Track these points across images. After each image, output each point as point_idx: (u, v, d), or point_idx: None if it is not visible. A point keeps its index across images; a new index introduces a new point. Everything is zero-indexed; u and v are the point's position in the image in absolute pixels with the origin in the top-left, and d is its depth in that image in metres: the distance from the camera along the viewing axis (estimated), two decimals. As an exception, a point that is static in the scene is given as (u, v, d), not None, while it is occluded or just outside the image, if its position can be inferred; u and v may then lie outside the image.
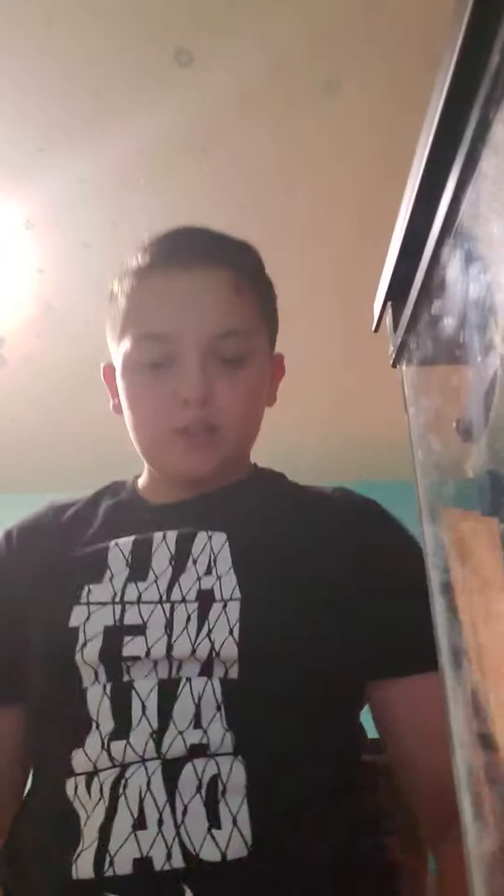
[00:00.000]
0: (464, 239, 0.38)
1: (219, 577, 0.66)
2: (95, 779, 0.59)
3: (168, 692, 0.61)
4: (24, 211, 2.22)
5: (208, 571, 0.67)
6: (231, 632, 0.63)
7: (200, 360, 0.71)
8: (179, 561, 0.69)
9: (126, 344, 0.76)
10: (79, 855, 0.55)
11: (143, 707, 0.61)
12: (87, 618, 0.65)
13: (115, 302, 0.82)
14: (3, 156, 2.03)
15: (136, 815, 0.55)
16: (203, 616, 0.64)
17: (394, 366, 0.47)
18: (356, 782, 0.67)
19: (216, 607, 0.64)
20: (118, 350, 0.79)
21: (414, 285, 0.42)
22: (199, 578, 0.67)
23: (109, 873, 0.53)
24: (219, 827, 0.54)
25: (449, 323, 0.40)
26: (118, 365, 0.80)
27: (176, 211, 2.31)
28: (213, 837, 0.54)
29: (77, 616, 0.65)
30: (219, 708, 0.61)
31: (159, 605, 0.65)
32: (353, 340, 2.81)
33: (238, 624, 0.63)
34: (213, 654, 0.63)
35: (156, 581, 0.67)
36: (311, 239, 2.40)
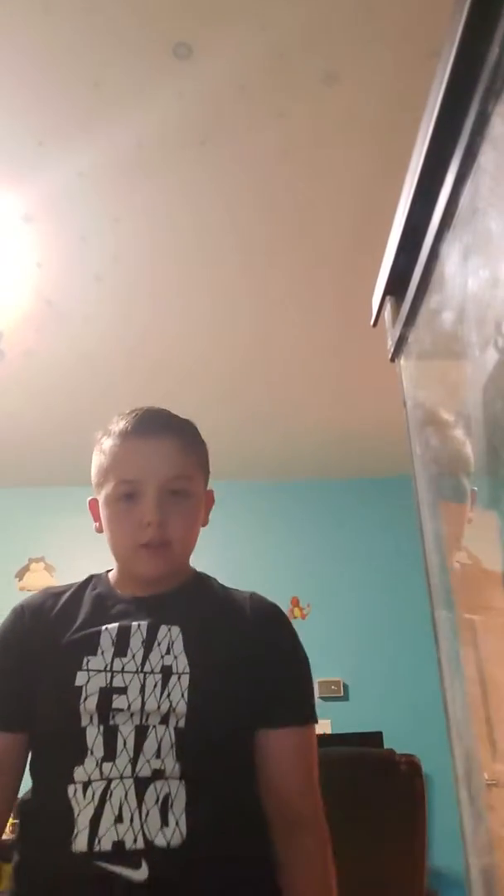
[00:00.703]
0: (462, 233, 0.38)
1: (175, 657, 0.99)
2: (90, 787, 0.90)
3: (141, 733, 0.94)
4: (22, 204, 2.21)
5: (168, 652, 1.00)
6: (182, 695, 0.96)
7: (157, 495, 1.02)
8: (149, 644, 1.01)
9: (109, 485, 1.06)
10: (76, 836, 0.87)
11: (125, 742, 0.93)
12: (88, 680, 0.97)
13: (101, 454, 1.09)
14: (2, 149, 2.02)
15: (116, 814, 0.88)
16: (164, 684, 0.97)
17: (392, 360, 0.47)
18: (256, 800, 1.01)
19: (173, 678, 0.97)
20: (103, 489, 1.08)
21: (412, 280, 0.42)
22: (162, 657, 0.99)
23: (97, 849, 0.86)
24: (167, 825, 0.88)
25: (447, 318, 0.40)
26: (101, 499, 1.09)
27: (174, 204, 2.31)
28: (162, 832, 0.88)
29: (80, 678, 0.97)
30: (172, 746, 0.93)
31: (136, 675, 0.97)
32: (352, 335, 2.81)
33: (187, 690, 0.96)
34: (170, 710, 0.95)
35: (133, 657, 0.99)
36: (310, 232, 2.40)
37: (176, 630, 1.02)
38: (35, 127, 1.95)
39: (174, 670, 0.98)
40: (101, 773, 0.91)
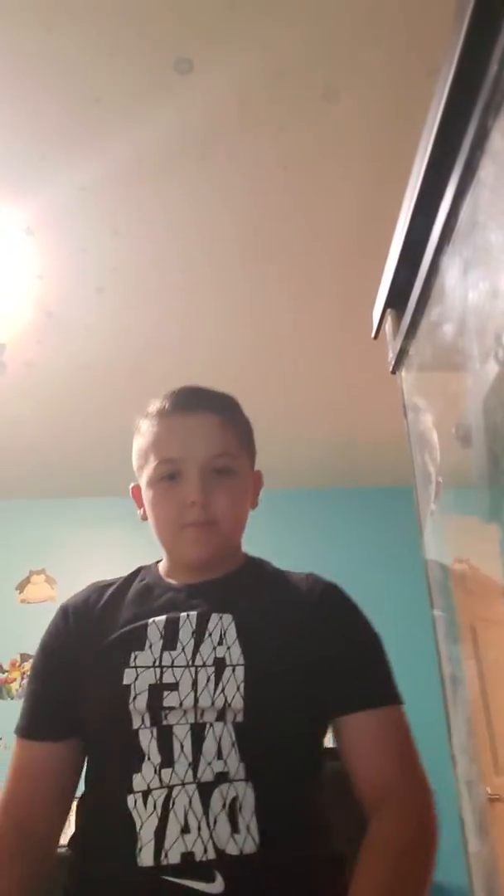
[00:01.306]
0: (462, 246, 0.38)
1: (228, 648, 0.92)
2: (150, 796, 0.84)
3: (198, 733, 0.87)
4: (24, 217, 2.23)
5: (220, 643, 0.92)
6: (238, 689, 0.88)
7: (200, 473, 0.98)
8: (199, 635, 0.94)
9: (150, 465, 1.01)
10: (140, 850, 0.81)
11: (181, 745, 0.86)
12: (136, 678, 0.91)
13: (139, 437, 1.06)
14: (5, 163, 2.03)
15: (182, 823, 0.82)
16: (218, 677, 0.89)
17: (393, 372, 0.47)
18: (320, 799, 0.94)
19: (227, 671, 0.90)
20: (144, 471, 1.03)
21: (413, 293, 0.42)
22: (214, 648, 0.92)
23: (165, 862, 0.80)
24: (238, 832, 0.82)
25: (448, 330, 0.40)
26: (143, 483, 1.04)
27: (175, 218, 2.33)
28: (234, 839, 0.81)
29: (128, 676, 0.91)
30: (233, 745, 0.86)
31: (187, 669, 0.90)
32: (353, 347, 2.82)
33: (243, 683, 0.89)
34: (226, 705, 0.87)
35: (183, 650, 0.92)
36: (311, 246, 2.41)
37: (228, 618, 0.94)
38: (37, 141, 1.97)
39: (228, 662, 0.90)
40: (161, 780, 0.84)
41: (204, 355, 2.96)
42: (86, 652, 0.97)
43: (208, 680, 0.88)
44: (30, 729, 0.98)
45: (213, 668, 0.90)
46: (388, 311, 0.45)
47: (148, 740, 0.86)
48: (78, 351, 2.90)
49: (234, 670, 0.89)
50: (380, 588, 4.21)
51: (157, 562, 1.10)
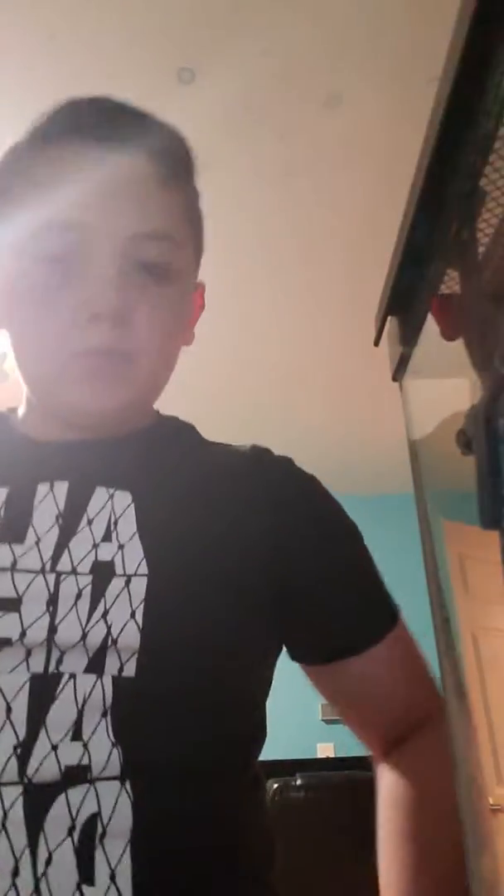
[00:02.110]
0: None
1: (121, 546, 0.54)
2: None
3: (43, 691, 0.48)
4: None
5: (107, 538, 0.54)
6: (133, 615, 0.51)
7: (118, 262, 0.54)
8: (70, 521, 0.55)
9: (21, 237, 0.55)
10: None
11: (8, 711, 0.46)
12: None
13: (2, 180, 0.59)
14: (7, 170, 2.04)
15: None
16: (98, 593, 0.51)
17: (394, 379, 0.47)
18: (257, 817, 0.56)
19: (116, 583, 0.52)
20: (4, 250, 0.58)
21: (415, 299, 0.42)
22: (95, 546, 0.54)
23: None
24: (91, 883, 0.42)
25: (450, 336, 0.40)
26: (4, 267, 0.58)
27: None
28: None
29: None
30: (105, 716, 0.47)
31: (41, 575, 0.52)
32: (354, 353, 2.82)
33: (143, 605, 0.51)
34: (109, 642, 0.50)
35: (37, 544, 0.53)
36: (313, 252, 2.41)
37: (124, 498, 0.56)
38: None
39: (118, 570, 0.53)
40: None
41: (205, 362, 2.96)
42: None
43: (79, 596, 0.51)
44: None
45: (89, 578, 0.52)
46: (390, 317, 0.45)
47: None
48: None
49: (128, 583, 0.52)
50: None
51: (12, 409, 0.70)
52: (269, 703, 0.63)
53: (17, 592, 0.51)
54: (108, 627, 0.50)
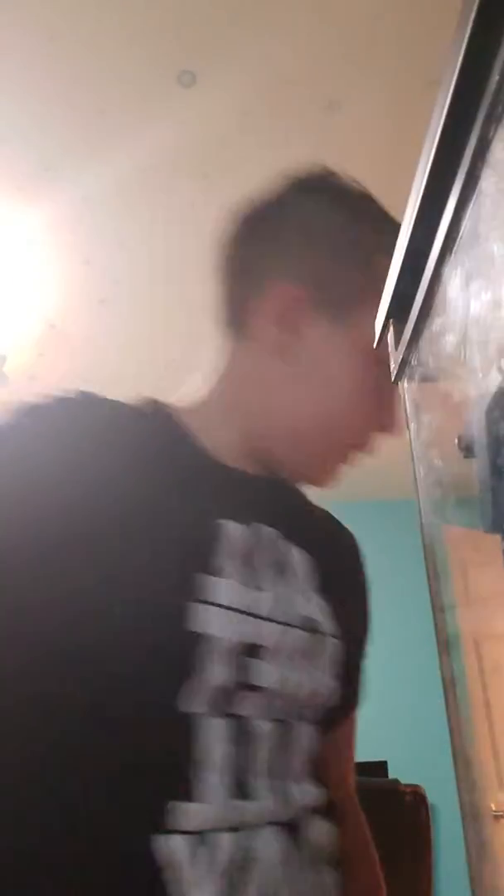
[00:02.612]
0: (464, 257, 0.38)
1: (310, 603, 0.57)
2: (204, 843, 0.47)
3: (282, 737, 0.53)
4: (27, 229, 2.24)
5: (304, 593, 0.57)
6: (329, 673, 0.57)
7: None
8: (280, 570, 0.56)
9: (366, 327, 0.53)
10: None
11: (263, 756, 0.51)
12: (209, 623, 0.50)
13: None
14: (9, 175, 2.04)
15: None
16: (311, 649, 0.55)
17: (395, 383, 0.47)
18: None
19: (320, 641, 0.56)
20: (352, 323, 0.63)
21: (415, 303, 0.42)
22: (299, 600, 0.56)
23: None
24: None
25: (450, 340, 0.40)
26: (348, 342, 0.62)
27: (178, 230, 2.33)
28: None
29: (198, 617, 0.50)
30: (307, 762, 0.54)
31: (273, 624, 0.53)
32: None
33: (336, 666, 0.58)
34: (314, 698, 0.55)
35: (265, 589, 0.54)
36: (313, 257, 2.42)
37: (302, 556, 0.59)
38: (41, 153, 1.98)
39: (318, 627, 0.56)
40: (227, 816, 0.48)
41: (205, 367, 2.96)
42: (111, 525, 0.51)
43: (300, 650, 0.54)
44: None
45: (300, 633, 0.54)
46: (390, 321, 0.45)
47: (211, 740, 0.48)
48: (80, 363, 2.90)
49: (325, 642, 0.56)
50: (382, 602, 4.20)
51: (184, 405, 0.67)
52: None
53: (263, 640, 0.52)
54: (315, 684, 0.55)
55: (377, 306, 0.46)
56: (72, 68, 1.76)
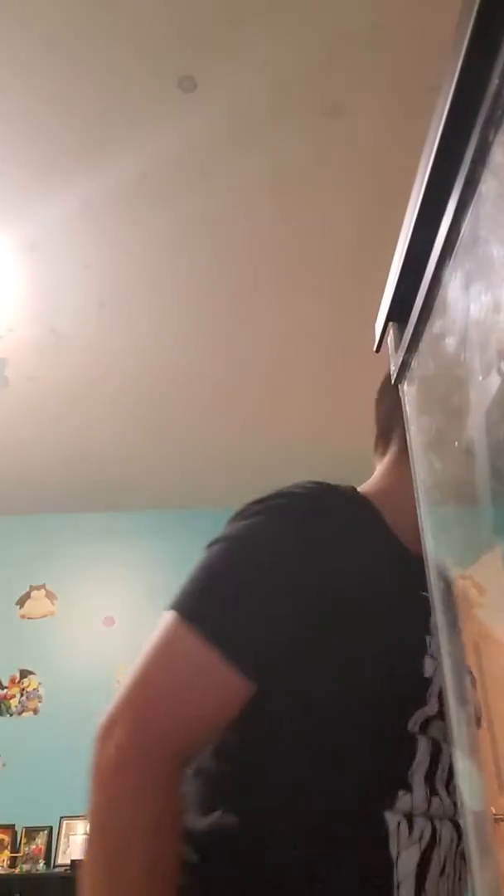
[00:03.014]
0: (464, 260, 0.38)
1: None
2: (415, 823, 0.68)
3: (448, 756, 0.69)
4: (28, 233, 2.24)
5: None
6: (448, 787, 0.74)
7: None
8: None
9: None
10: (398, 886, 0.64)
11: (444, 768, 0.69)
12: (434, 672, 0.68)
13: None
14: (9, 179, 2.05)
15: (441, 866, 0.67)
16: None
17: (395, 385, 0.47)
18: None
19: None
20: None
21: (415, 306, 0.42)
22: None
23: None
24: (465, 885, 0.69)
25: (450, 342, 0.40)
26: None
27: (177, 235, 2.34)
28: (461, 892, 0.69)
29: (429, 667, 0.68)
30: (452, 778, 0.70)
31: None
32: (354, 359, 2.82)
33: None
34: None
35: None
36: (313, 260, 2.42)
37: None
38: (41, 158, 1.98)
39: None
40: (430, 806, 0.66)
41: (206, 370, 2.97)
42: (367, 590, 0.68)
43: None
44: (239, 649, 0.64)
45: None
46: (391, 323, 0.46)
47: (423, 752, 0.67)
48: (79, 366, 2.90)
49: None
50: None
51: (369, 497, 0.78)
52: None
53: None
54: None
55: None
56: (73, 73, 1.77)
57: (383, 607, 0.68)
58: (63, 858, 3.31)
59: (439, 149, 0.36)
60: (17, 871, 3.25)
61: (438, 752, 0.68)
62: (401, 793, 0.65)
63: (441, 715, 0.66)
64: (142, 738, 0.59)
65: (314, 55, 1.74)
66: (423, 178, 0.38)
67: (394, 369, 0.48)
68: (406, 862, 0.63)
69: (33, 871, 3.26)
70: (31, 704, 3.69)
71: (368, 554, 0.71)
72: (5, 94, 1.81)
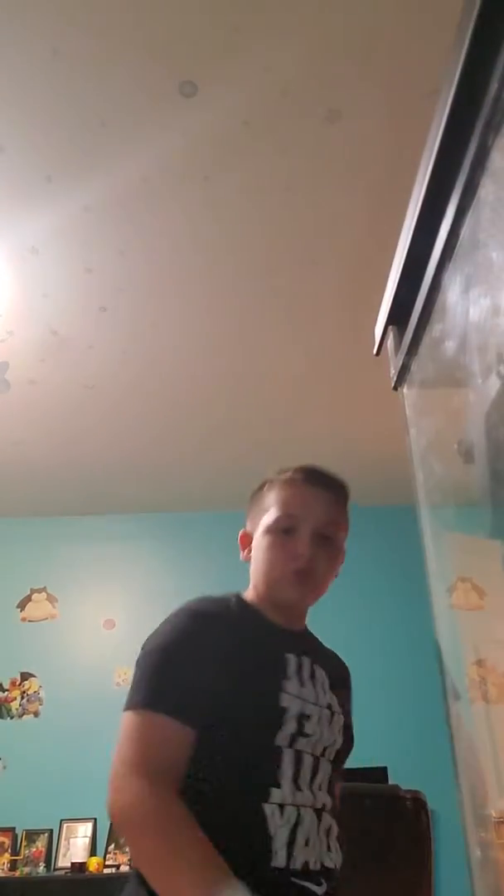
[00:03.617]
0: (464, 264, 0.39)
1: (328, 696, 1.11)
2: (284, 810, 0.99)
3: (315, 765, 1.03)
4: (30, 237, 2.25)
5: (324, 691, 1.10)
6: (339, 732, 1.10)
7: (312, 534, 1.15)
8: (312, 680, 1.10)
9: (270, 516, 1.18)
10: (275, 853, 0.96)
11: (308, 772, 1.02)
12: (289, 704, 1.03)
13: (263, 494, 1.23)
14: (12, 184, 2.06)
15: (305, 838, 0.99)
16: (329, 719, 1.08)
17: (395, 389, 0.47)
18: None
19: (335, 716, 1.10)
20: (260, 519, 1.20)
21: (415, 310, 0.43)
22: (324, 693, 1.10)
23: (292, 866, 0.96)
24: (331, 851, 1.03)
25: (449, 346, 0.40)
26: (258, 530, 1.20)
27: (178, 239, 2.35)
28: (329, 856, 1.02)
29: (284, 700, 1.03)
30: (327, 781, 1.05)
31: (315, 706, 1.06)
32: (354, 363, 2.82)
33: (341, 729, 1.10)
34: (332, 746, 1.07)
35: (313, 689, 1.09)
36: (313, 264, 2.43)
37: (321, 671, 1.13)
38: (43, 163, 1.99)
39: (333, 709, 1.10)
40: (294, 798, 0.99)
41: (206, 374, 2.97)
42: (241, 659, 1.06)
43: (326, 720, 1.07)
44: (179, 710, 1.00)
45: (328, 711, 1.09)
46: (390, 327, 0.46)
47: (288, 761, 1.01)
48: (81, 369, 2.91)
49: (334, 716, 1.09)
50: (382, 607, 4.19)
51: (239, 596, 1.20)
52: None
53: (309, 713, 1.05)
54: (334, 739, 1.09)
55: None
56: (74, 78, 1.78)
57: (251, 666, 1.05)
58: (63, 861, 3.30)
59: (439, 154, 0.36)
60: (17, 874, 3.25)
61: (300, 760, 1.01)
62: (273, 789, 0.98)
63: (304, 733, 1.02)
64: (152, 779, 0.94)
65: (314, 60, 1.75)
66: (423, 182, 0.38)
67: (393, 373, 0.48)
68: (279, 837, 0.96)
69: (34, 874, 3.26)
70: (31, 707, 3.69)
71: (246, 639, 1.08)
72: (7, 101, 1.82)
